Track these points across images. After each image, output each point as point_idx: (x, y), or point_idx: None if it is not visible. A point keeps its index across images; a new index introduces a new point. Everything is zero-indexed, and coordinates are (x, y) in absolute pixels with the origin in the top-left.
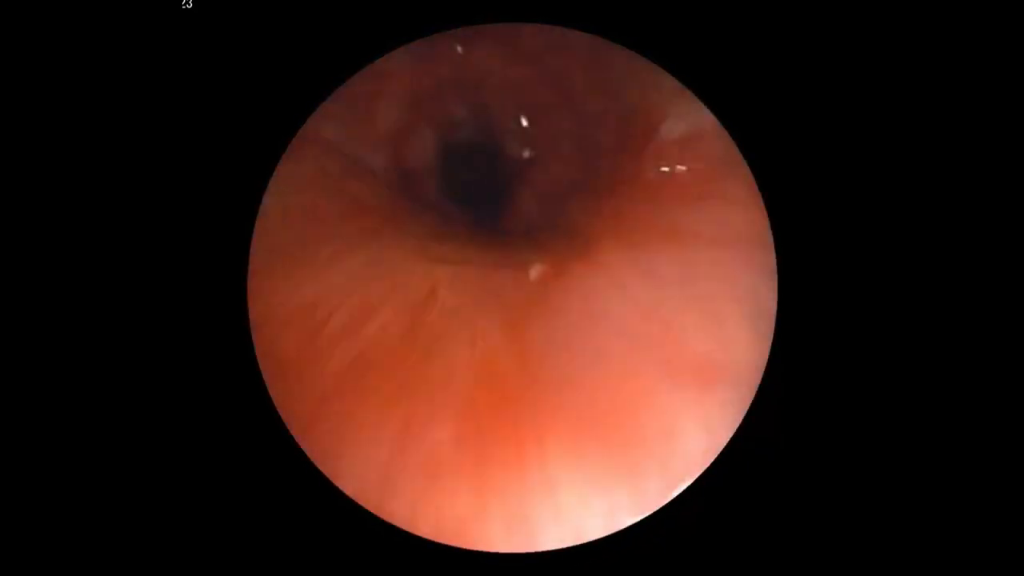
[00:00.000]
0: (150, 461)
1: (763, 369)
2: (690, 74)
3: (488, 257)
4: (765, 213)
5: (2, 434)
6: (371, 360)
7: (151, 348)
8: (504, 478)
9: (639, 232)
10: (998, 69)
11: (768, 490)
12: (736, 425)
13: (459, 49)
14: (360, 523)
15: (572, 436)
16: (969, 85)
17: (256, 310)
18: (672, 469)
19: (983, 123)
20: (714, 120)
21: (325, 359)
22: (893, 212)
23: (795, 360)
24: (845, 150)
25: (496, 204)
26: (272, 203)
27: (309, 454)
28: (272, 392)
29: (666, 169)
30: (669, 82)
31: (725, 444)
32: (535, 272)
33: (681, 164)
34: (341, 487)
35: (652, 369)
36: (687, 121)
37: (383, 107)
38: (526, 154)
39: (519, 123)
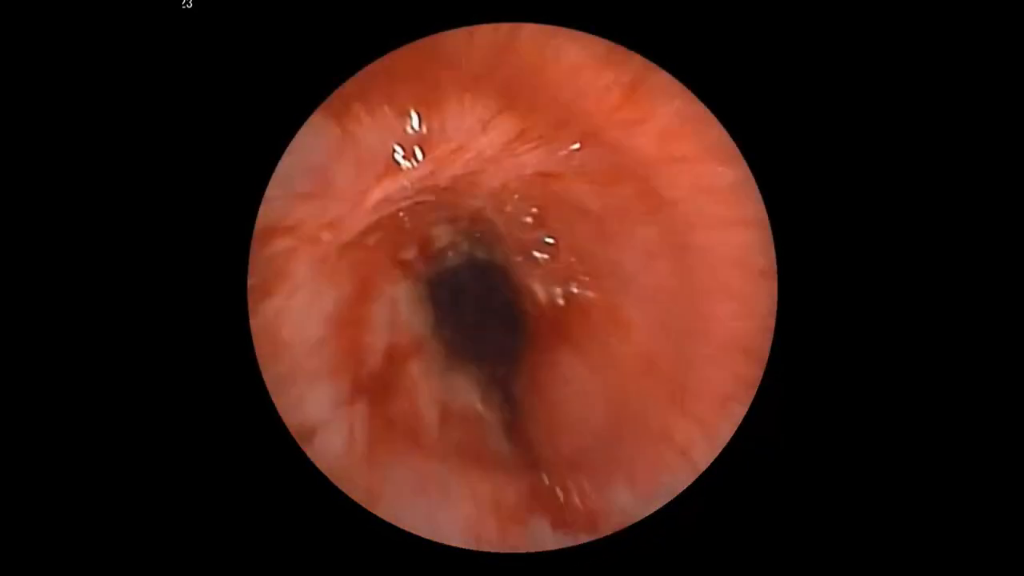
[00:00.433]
0: (149, 459)
1: None
2: (690, 73)
3: None
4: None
5: (3, 438)
6: None
7: (150, 347)
8: None
9: None
10: (992, 57)
11: (768, 490)
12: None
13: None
14: (360, 523)
15: None
16: (966, 79)
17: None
18: None
19: (982, 118)
20: None
21: None
22: (893, 212)
23: (795, 361)
24: (845, 150)
25: None
26: None
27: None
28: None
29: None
30: None
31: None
32: None
33: None
34: None
35: None
36: None
37: None
38: None
39: None
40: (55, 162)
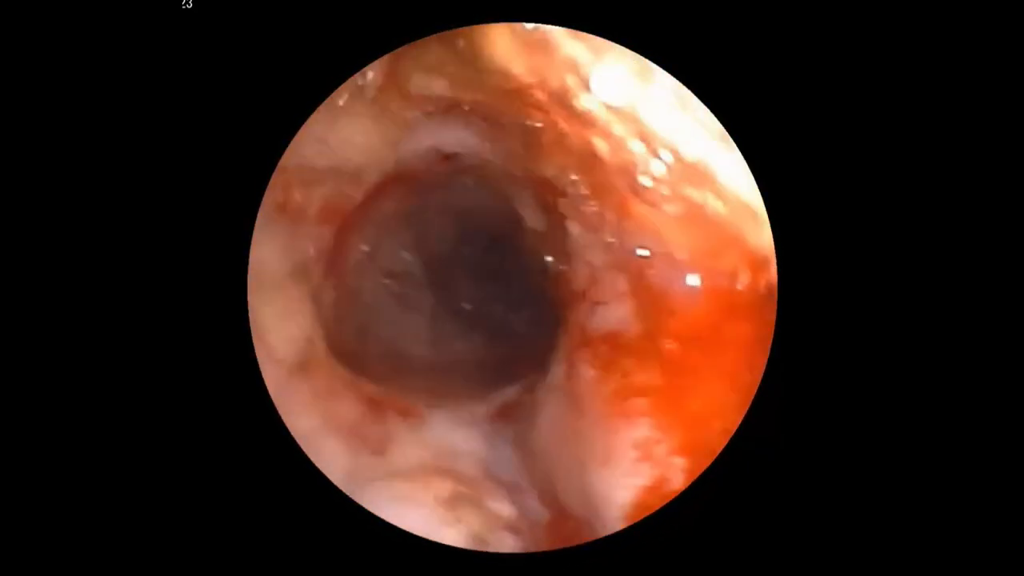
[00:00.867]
0: (148, 459)
1: None
2: (690, 73)
3: None
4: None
5: (4, 439)
6: None
7: (150, 347)
8: None
9: None
10: (992, 57)
11: (768, 490)
12: None
13: None
14: (360, 523)
15: None
16: (963, 76)
17: None
18: None
19: (981, 118)
20: None
21: None
22: (893, 212)
23: (795, 360)
24: (845, 150)
25: None
26: None
27: None
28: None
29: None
30: None
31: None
32: None
33: None
34: None
35: None
36: None
37: None
38: None
39: None
40: (55, 161)
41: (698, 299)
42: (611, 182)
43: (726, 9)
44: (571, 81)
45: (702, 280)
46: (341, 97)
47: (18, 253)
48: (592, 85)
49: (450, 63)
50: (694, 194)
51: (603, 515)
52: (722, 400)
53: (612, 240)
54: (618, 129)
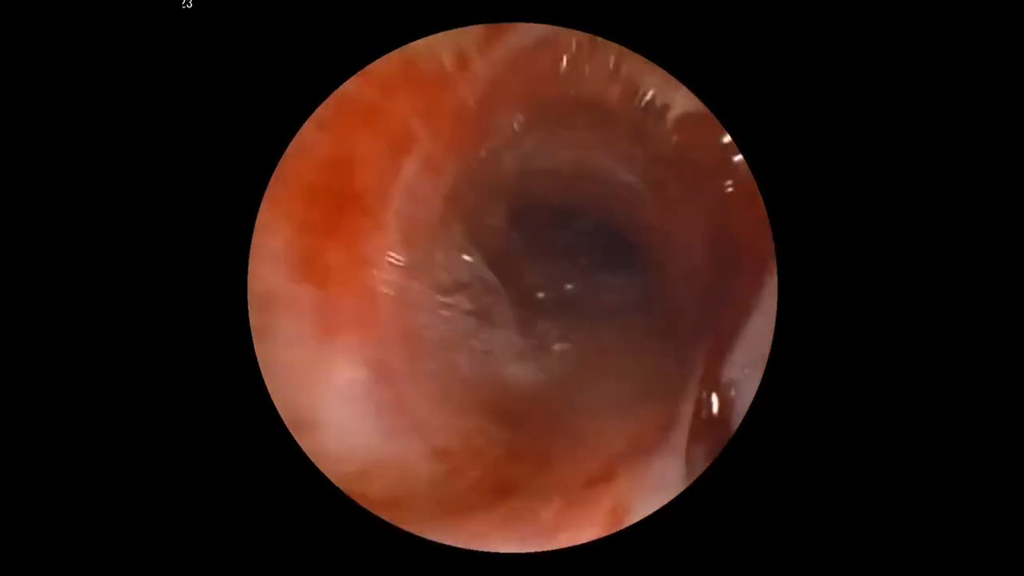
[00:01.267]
0: (148, 459)
1: None
2: (689, 73)
3: None
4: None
5: (3, 438)
6: None
7: (150, 347)
8: None
9: None
10: (993, 57)
11: (768, 490)
12: None
13: None
14: (360, 523)
15: None
16: (962, 76)
17: None
18: None
19: (981, 118)
20: None
21: None
22: (892, 212)
23: (795, 360)
24: (845, 150)
25: None
26: None
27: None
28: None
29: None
30: None
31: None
32: None
33: None
34: None
35: None
36: None
37: None
38: None
39: None
40: (54, 161)
41: None
42: None
43: (726, 9)
44: None
45: None
46: None
47: (18, 253)
48: None
49: None
50: None
51: None
52: None
53: None
54: None
